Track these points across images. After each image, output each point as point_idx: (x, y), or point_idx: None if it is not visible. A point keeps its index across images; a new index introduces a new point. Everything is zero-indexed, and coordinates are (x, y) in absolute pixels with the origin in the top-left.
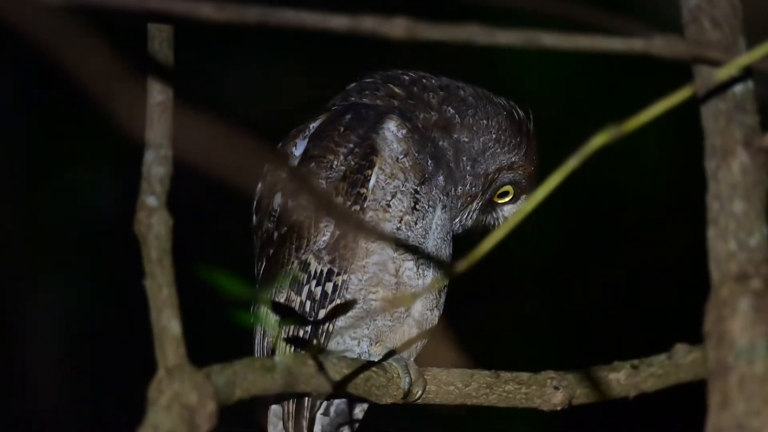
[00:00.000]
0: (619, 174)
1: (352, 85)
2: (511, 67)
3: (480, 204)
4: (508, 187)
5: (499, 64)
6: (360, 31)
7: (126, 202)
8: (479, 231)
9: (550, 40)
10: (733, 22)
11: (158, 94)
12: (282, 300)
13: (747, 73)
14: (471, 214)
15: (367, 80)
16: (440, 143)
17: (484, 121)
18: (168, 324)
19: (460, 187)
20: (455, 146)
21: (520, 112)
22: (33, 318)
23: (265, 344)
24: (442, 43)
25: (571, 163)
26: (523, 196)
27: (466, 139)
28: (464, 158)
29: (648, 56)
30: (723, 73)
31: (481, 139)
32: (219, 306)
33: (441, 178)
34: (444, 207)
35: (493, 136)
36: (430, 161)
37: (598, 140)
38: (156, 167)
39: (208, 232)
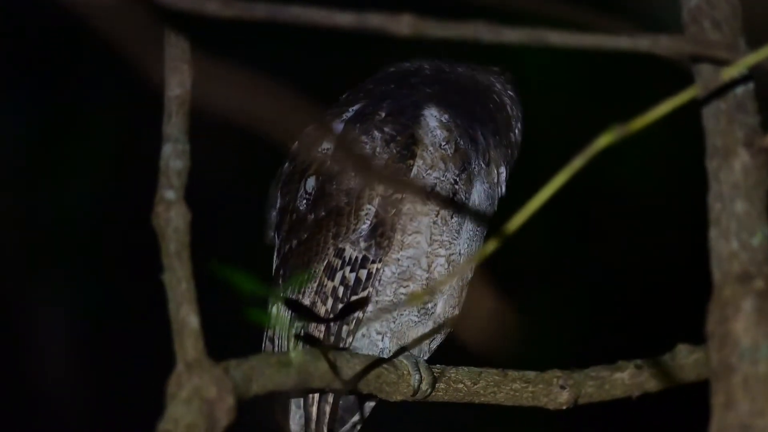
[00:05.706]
0: (623, 174)
1: (385, 70)
2: (514, 66)
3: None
4: None
5: (503, 63)
6: (366, 28)
7: (125, 201)
8: None
9: (556, 38)
10: (732, 23)
11: (176, 87)
12: (312, 288)
13: (748, 73)
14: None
15: (402, 67)
16: (491, 112)
17: (498, 77)
18: (187, 318)
19: (516, 151)
20: (499, 110)
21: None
22: (35, 316)
23: (279, 338)
24: (448, 41)
25: (577, 163)
26: None
27: (504, 95)
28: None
29: (653, 55)
30: (729, 72)
31: (508, 91)
32: (229, 299)
33: (501, 150)
34: (484, 182)
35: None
36: (472, 145)
37: (603, 140)
38: (174, 161)
39: (223, 224)
